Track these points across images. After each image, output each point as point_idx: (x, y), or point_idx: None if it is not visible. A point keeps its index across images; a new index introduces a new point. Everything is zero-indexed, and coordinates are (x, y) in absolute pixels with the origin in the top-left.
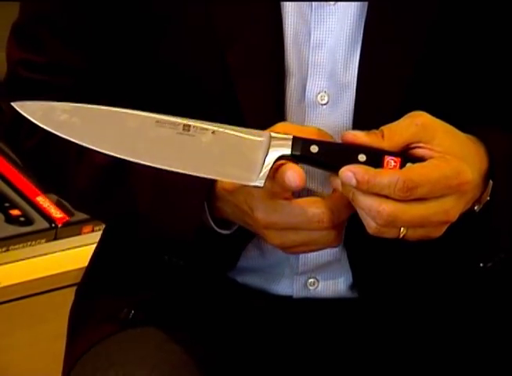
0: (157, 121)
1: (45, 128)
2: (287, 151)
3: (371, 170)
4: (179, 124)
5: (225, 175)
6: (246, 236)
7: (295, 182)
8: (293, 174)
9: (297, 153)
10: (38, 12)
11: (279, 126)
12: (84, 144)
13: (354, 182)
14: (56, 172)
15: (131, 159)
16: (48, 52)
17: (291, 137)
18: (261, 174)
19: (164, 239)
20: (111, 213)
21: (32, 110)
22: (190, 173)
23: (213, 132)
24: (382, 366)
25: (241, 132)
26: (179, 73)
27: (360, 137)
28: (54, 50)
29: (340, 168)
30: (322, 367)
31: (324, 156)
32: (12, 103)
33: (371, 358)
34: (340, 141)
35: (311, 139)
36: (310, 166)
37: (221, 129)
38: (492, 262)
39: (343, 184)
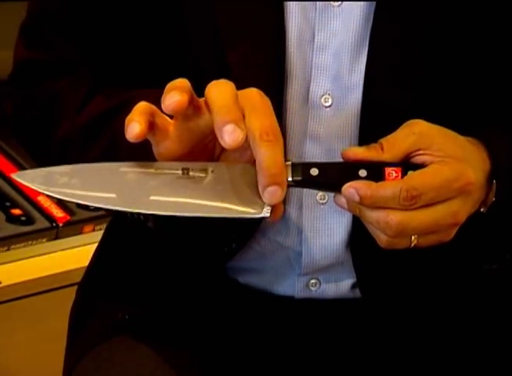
0: (156, 169)
1: (47, 193)
2: (288, 178)
3: (373, 184)
4: (177, 168)
5: (230, 211)
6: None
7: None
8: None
9: (298, 178)
10: (44, 10)
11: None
12: (87, 203)
13: (357, 198)
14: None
15: (135, 211)
16: (55, 50)
17: (290, 163)
18: (266, 204)
19: None
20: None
21: (31, 178)
22: (196, 215)
23: (212, 171)
24: (384, 368)
25: (239, 167)
26: (182, 69)
27: (360, 153)
28: (60, 48)
29: (342, 186)
30: (324, 368)
31: (325, 177)
32: (12, 175)
33: (373, 359)
34: (339, 156)
35: (310, 162)
36: (312, 189)
37: (218, 166)
38: (497, 263)
39: (348, 202)
